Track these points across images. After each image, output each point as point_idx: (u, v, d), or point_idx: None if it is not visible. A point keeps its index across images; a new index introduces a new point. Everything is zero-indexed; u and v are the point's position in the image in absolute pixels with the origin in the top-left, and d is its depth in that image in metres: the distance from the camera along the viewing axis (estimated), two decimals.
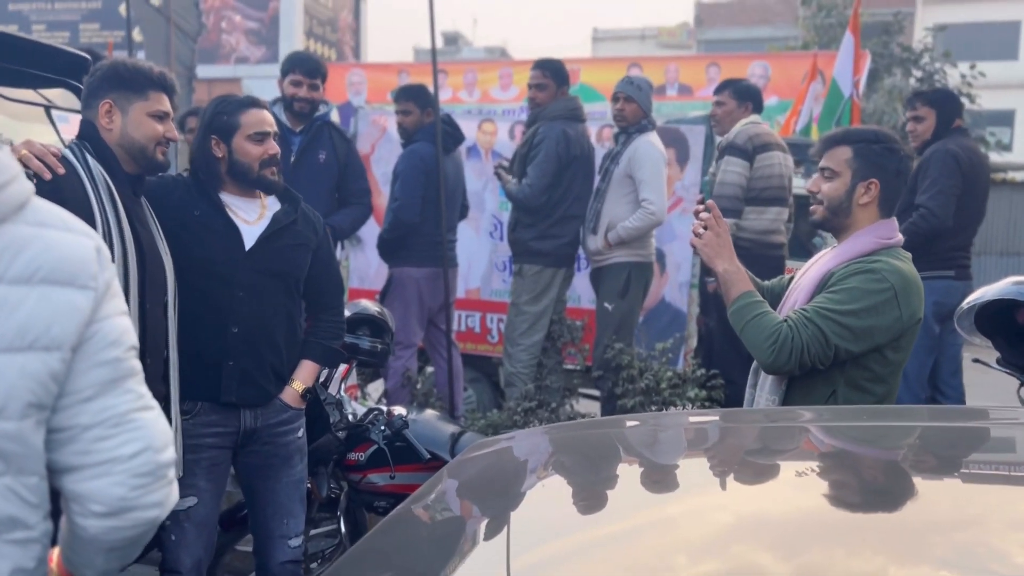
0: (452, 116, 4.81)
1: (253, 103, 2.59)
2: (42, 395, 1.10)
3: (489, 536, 1.29)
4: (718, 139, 5.05)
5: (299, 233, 2.63)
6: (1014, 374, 2.66)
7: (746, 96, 4.43)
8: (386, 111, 6.35)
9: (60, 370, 1.11)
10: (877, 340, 2.23)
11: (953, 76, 14.49)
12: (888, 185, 2.36)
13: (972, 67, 14.27)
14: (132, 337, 1.21)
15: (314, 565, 3.45)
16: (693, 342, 5.07)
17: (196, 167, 2.58)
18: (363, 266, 5.81)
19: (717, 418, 2.18)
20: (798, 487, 1.40)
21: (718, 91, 4.54)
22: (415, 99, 4.70)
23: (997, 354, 2.74)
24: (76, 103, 2.91)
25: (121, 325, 1.20)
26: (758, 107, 4.46)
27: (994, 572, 0.98)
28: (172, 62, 16.26)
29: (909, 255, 2.38)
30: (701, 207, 2.40)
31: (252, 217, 2.57)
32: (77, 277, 1.14)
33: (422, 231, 4.51)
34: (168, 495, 1.21)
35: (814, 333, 2.20)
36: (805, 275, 2.46)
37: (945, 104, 4.31)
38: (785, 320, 2.26)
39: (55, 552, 1.27)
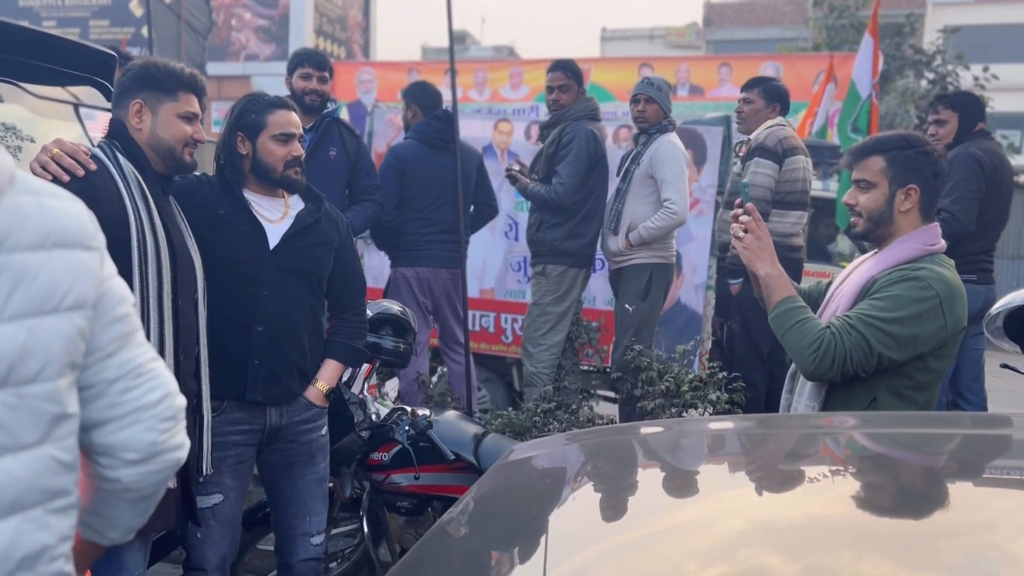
0: (448, 113, 4.80)
1: (281, 104, 2.59)
2: (75, 353, 1.16)
3: (527, 546, 1.28)
4: (737, 137, 5.03)
5: (322, 232, 2.63)
6: None
7: (775, 96, 4.39)
8: (400, 109, 6.35)
9: (87, 327, 1.17)
10: (921, 348, 2.21)
11: (966, 78, 14.43)
12: (927, 189, 2.33)
13: (985, 69, 14.21)
14: (131, 295, 1.28)
15: (333, 564, 3.45)
16: (708, 344, 5.05)
17: (221, 163, 2.57)
18: (378, 265, 5.80)
19: (755, 424, 2.17)
20: (817, 493, 1.40)
21: (747, 88, 4.49)
22: (405, 95, 4.79)
23: None
24: (103, 101, 2.90)
25: (122, 284, 1.26)
26: (785, 109, 4.43)
27: None
28: (182, 59, 16.30)
29: (952, 262, 2.35)
30: (740, 210, 2.37)
31: (276, 216, 2.58)
32: (82, 239, 1.19)
33: (406, 231, 4.53)
34: (185, 437, 1.28)
35: (857, 340, 2.18)
36: (847, 281, 2.43)
37: (968, 107, 4.28)
38: (828, 327, 2.23)
39: None
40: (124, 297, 1.25)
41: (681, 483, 1.60)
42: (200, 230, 2.43)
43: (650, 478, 1.67)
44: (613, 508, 1.46)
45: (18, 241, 1.11)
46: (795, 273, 4.12)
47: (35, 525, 1.12)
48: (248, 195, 2.57)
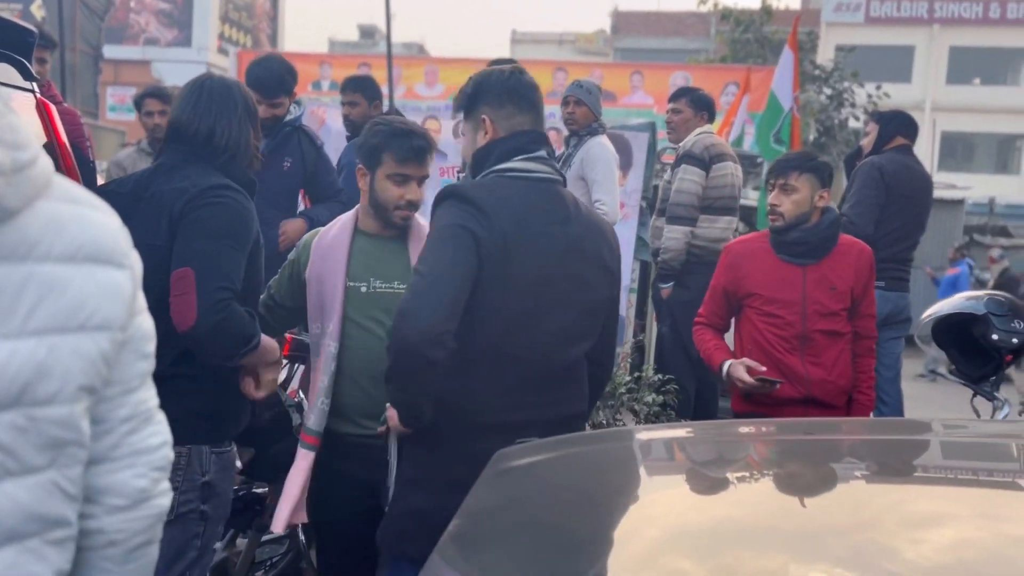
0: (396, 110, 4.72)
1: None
2: (94, 377, 1.09)
3: (527, 563, 1.26)
4: (660, 146, 5.12)
5: None
6: (968, 384, 2.77)
7: (702, 105, 4.51)
8: (323, 103, 6.19)
9: (111, 351, 1.10)
10: None
11: (860, 95, 15.19)
12: None
13: (878, 87, 15.01)
14: (154, 334, 1.22)
15: (259, 573, 3.31)
16: (628, 347, 5.11)
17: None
18: None
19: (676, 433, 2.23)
20: (724, 497, 1.52)
21: (674, 99, 4.60)
22: (363, 90, 4.59)
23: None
24: (19, 79, 2.69)
25: (150, 321, 1.21)
26: (712, 117, 4.55)
27: (884, 568, 1.09)
28: (76, 40, 15.47)
29: None
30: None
31: None
32: (114, 255, 1.12)
33: None
34: (168, 486, 1.23)
35: None
36: None
37: (886, 122, 4.50)
38: None
39: None
40: (152, 335, 1.20)
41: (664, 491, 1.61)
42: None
43: (646, 484, 1.67)
44: (578, 519, 1.44)
45: (49, 250, 1.05)
46: None
47: (32, 556, 1.04)
48: None
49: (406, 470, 2.21)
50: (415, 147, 2.40)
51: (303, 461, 2.44)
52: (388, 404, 2.24)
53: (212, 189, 2.10)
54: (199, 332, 1.99)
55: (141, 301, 1.18)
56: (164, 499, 1.20)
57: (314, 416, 2.42)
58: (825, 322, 2.96)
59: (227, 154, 2.20)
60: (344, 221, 2.56)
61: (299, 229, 3.53)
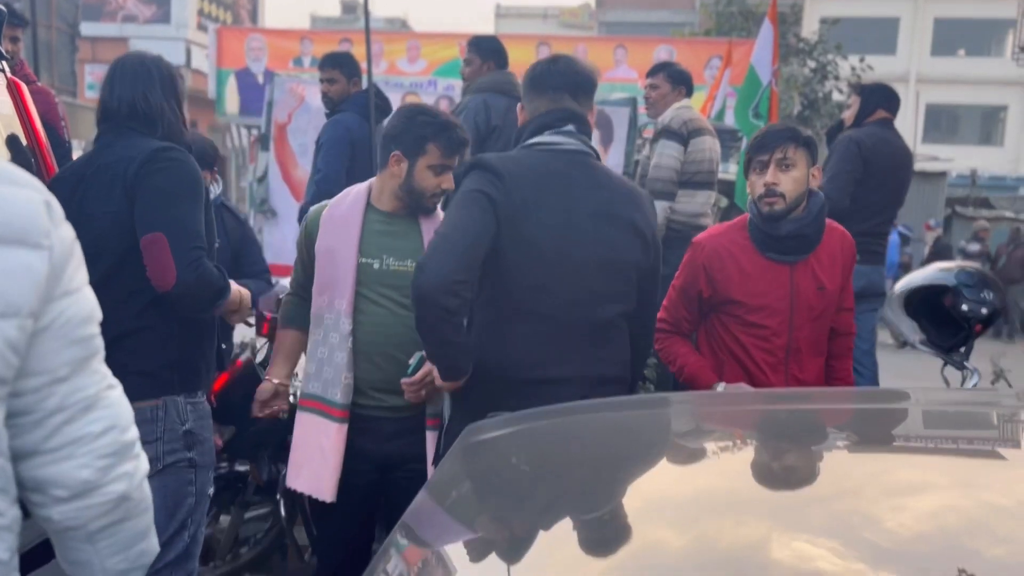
0: (380, 87, 4.71)
1: None
2: (0, 367, 1.01)
3: (492, 539, 1.26)
4: (642, 121, 5.12)
5: None
6: (939, 354, 2.81)
7: (680, 80, 4.49)
8: (303, 80, 6.15)
9: (19, 339, 1.02)
10: None
11: (844, 68, 15.19)
12: None
13: (861, 60, 15.00)
14: (99, 312, 1.14)
15: (244, 549, 3.35)
16: None
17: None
18: (278, 241, 5.66)
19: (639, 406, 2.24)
20: (705, 468, 1.52)
21: (652, 74, 4.59)
22: (342, 67, 4.56)
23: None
24: None
25: (91, 298, 1.13)
26: (690, 91, 4.54)
27: (865, 537, 1.09)
28: (53, 17, 15.23)
29: None
30: None
31: None
32: (28, 235, 1.03)
33: None
34: (137, 467, 1.16)
35: None
36: None
37: (868, 94, 4.49)
38: None
39: None
40: (89, 316, 1.11)
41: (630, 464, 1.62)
42: None
43: (600, 459, 1.67)
44: (550, 494, 1.46)
45: None
46: None
47: None
48: None
49: (454, 428, 2.27)
50: (461, 140, 2.50)
51: (339, 435, 2.43)
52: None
53: (160, 152, 2.18)
54: (180, 290, 2.10)
55: (70, 282, 1.10)
56: (119, 484, 1.12)
57: (340, 392, 2.43)
58: (811, 328, 2.64)
59: (157, 127, 2.25)
60: (356, 196, 2.56)
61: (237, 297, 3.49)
